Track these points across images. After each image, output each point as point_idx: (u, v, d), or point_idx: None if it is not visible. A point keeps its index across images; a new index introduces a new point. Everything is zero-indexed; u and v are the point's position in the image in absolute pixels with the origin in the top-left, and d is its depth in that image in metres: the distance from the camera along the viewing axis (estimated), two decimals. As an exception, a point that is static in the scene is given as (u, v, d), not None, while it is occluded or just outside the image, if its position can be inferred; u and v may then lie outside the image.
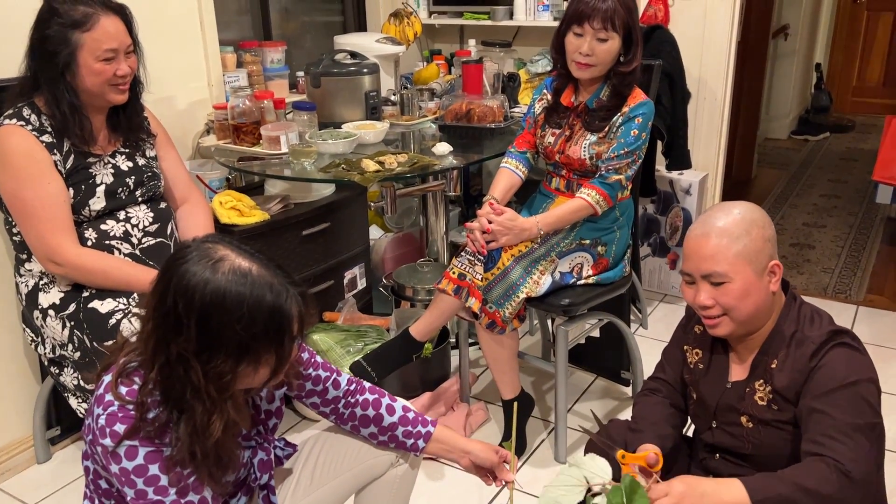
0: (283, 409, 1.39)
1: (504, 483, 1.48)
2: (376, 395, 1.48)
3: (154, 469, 1.12)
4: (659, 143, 2.97)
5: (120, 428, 1.10)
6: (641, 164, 2.87)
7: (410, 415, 1.48)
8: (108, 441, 1.11)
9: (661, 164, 3.16)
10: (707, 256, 1.36)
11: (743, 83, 4.79)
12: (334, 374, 1.46)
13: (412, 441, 1.47)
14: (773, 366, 1.38)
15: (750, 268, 1.35)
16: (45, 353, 1.97)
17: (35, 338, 1.98)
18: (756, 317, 1.39)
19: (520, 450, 2.28)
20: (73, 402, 1.97)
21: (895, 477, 1.86)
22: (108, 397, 1.13)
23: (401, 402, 1.49)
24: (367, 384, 1.50)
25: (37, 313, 1.92)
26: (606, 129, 2.09)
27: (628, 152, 2.07)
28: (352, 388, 1.47)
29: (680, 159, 2.96)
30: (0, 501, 2.13)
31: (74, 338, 1.85)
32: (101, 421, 1.11)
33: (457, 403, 2.51)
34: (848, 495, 1.21)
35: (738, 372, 1.46)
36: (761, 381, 1.40)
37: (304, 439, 1.54)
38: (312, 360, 1.43)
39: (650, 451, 1.39)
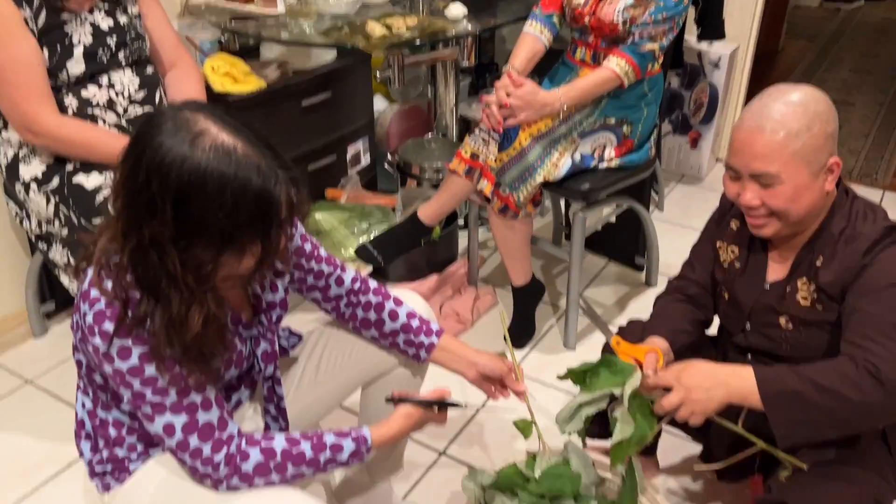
0: (287, 301, 1.30)
1: (515, 394, 1.41)
2: (380, 299, 1.37)
3: (150, 369, 1.03)
4: (692, 10, 2.71)
5: (109, 327, 1.01)
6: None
7: (414, 322, 1.38)
8: (98, 341, 1.02)
9: (689, 34, 2.92)
10: (759, 154, 1.20)
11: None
12: (338, 271, 1.35)
13: (414, 350, 1.38)
14: (819, 263, 1.26)
15: (806, 169, 1.20)
16: (31, 229, 1.86)
17: (19, 212, 1.86)
18: (807, 218, 1.27)
19: (528, 335, 2.23)
20: (64, 279, 1.88)
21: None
22: (94, 293, 1.02)
23: (406, 307, 1.39)
24: (372, 284, 1.39)
25: (19, 186, 1.79)
26: None
27: (667, 18, 1.86)
28: (356, 286, 1.37)
29: (714, 28, 2.72)
30: (-1, 376, 2.10)
31: (61, 214, 1.74)
32: (89, 320, 1.02)
33: (464, 287, 2.43)
34: (874, 399, 1.11)
35: (777, 271, 1.35)
36: (804, 278, 1.28)
37: (309, 331, 1.46)
38: (316, 253, 1.32)
39: (650, 352, 1.31)
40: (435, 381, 1.40)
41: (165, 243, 0.96)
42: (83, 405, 1.21)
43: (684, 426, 1.57)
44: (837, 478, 1.18)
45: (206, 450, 1.09)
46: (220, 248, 0.97)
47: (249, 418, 1.35)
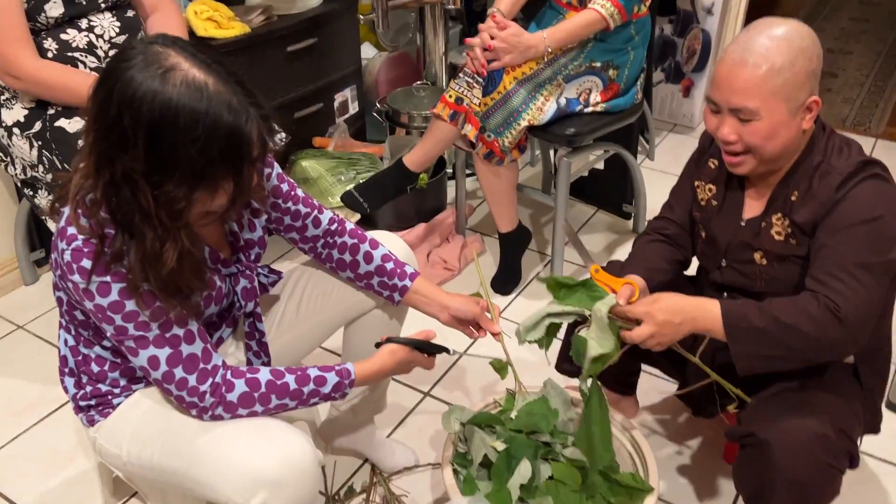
0: (266, 240, 1.31)
1: (491, 335, 1.42)
2: (355, 241, 1.39)
3: (131, 304, 1.05)
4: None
5: (87, 264, 1.02)
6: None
7: (389, 265, 1.39)
8: (77, 278, 1.03)
9: (683, -21, 2.88)
10: (739, 89, 1.19)
11: None
12: (315, 212, 1.36)
13: (388, 293, 1.40)
14: (794, 198, 1.27)
15: (785, 107, 1.19)
16: (16, 175, 1.86)
17: (4, 158, 1.86)
18: (782, 156, 1.27)
19: (514, 282, 2.24)
20: (51, 224, 1.89)
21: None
22: (71, 230, 1.03)
23: (382, 249, 1.40)
24: (349, 226, 1.40)
25: (1, 132, 1.79)
26: None
27: (652, -41, 1.83)
28: (332, 227, 1.38)
29: (706, -27, 2.67)
30: (-10, 322, 2.13)
31: (44, 158, 1.74)
32: (67, 257, 1.03)
33: (452, 235, 2.44)
34: (833, 336, 1.14)
35: (753, 208, 1.35)
36: (779, 214, 1.29)
37: (290, 270, 1.48)
38: (293, 193, 1.33)
39: (626, 284, 1.32)
40: (419, 325, 1.41)
41: (138, 178, 0.96)
42: (66, 342, 1.23)
43: (660, 365, 1.60)
44: (803, 407, 1.21)
45: (192, 380, 1.11)
46: (192, 185, 0.98)
47: (231, 355, 1.37)
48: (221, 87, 0.96)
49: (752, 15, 3.16)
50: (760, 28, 1.21)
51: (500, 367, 1.46)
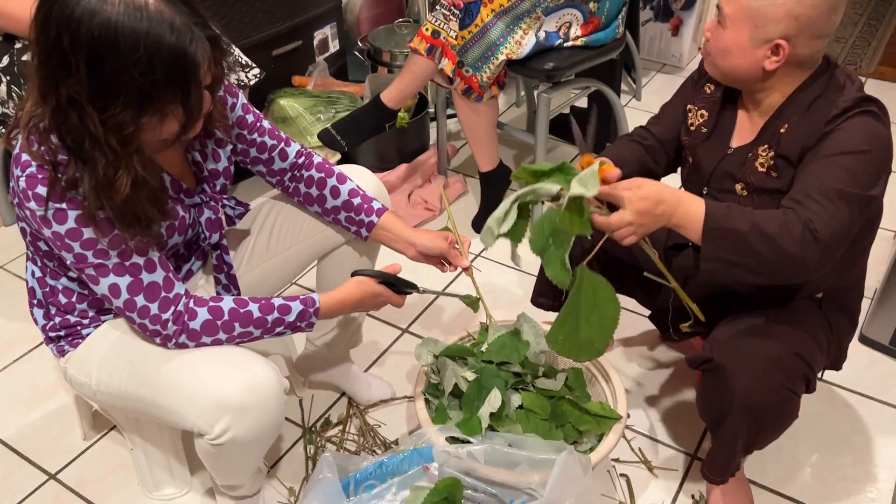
0: (231, 171, 1.30)
1: (461, 269, 1.42)
2: (322, 175, 1.37)
3: (88, 232, 1.04)
4: None
5: (42, 191, 1.01)
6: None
7: (356, 200, 1.37)
8: (33, 205, 1.02)
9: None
10: None
11: None
12: (282, 144, 1.34)
13: (355, 228, 1.39)
14: (783, 130, 1.25)
15: (748, 31, 1.17)
16: (-14, 112, 1.84)
17: (-27, 95, 1.83)
18: (738, 79, 1.25)
19: (495, 221, 2.23)
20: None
21: None
22: (25, 157, 1.02)
23: (350, 184, 1.38)
24: (316, 159, 1.38)
25: (-32, 67, 1.75)
26: None
27: None
28: (300, 161, 1.37)
29: None
30: (-31, 262, 2.12)
31: (13, 94, 1.71)
32: (22, 184, 1.02)
33: (434, 176, 2.43)
34: (807, 254, 1.12)
35: (742, 136, 1.33)
36: (766, 146, 1.27)
37: (259, 203, 1.47)
38: (258, 124, 1.31)
39: (613, 168, 1.20)
40: (392, 261, 1.41)
41: (83, 103, 0.95)
42: (32, 274, 1.23)
43: (634, 294, 1.59)
44: (761, 334, 1.21)
45: (154, 308, 1.11)
46: (138, 109, 0.96)
47: (202, 287, 1.37)
48: (163, 7, 0.94)
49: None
50: None
51: (471, 302, 1.46)
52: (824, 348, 1.29)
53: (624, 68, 2.92)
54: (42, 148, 1.01)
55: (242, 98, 1.29)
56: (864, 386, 1.70)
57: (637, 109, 2.83)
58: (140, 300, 1.10)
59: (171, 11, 0.94)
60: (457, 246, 1.41)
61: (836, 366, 1.40)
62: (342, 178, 1.39)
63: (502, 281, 2.04)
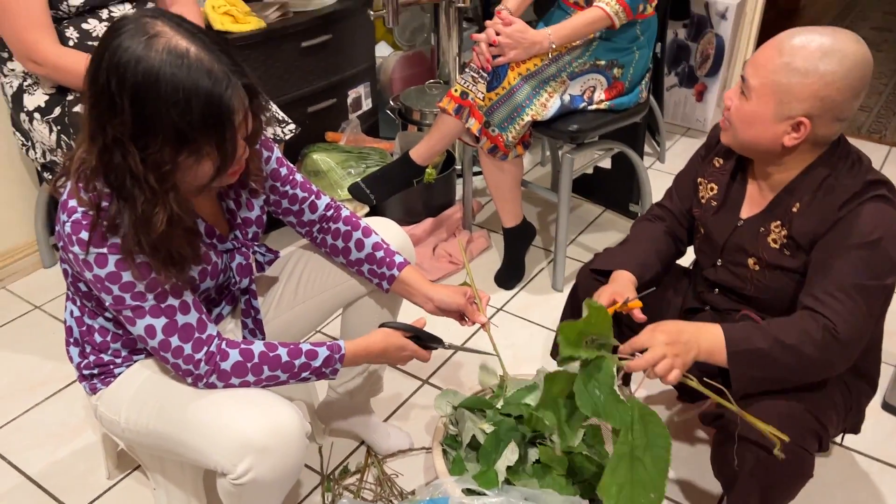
0: (263, 220, 1.35)
1: (479, 325, 1.44)
2: (349, 227, 1.43)
3: (127, 276, 1.10)
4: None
5: (85, 235, 1.07)
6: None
7: (379, 254, 1.42)
8: (76, 249, 1.08)
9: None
10: (754, 61, 1.21)
11: None
12: (312, 197, 1.40)
13: (377, 280, 1.44)
14: (795, 209, 1.26)
15: (773, 103, 1.19)
16: (36, 159, 1.94)
17: (25, 142, 1.94)
18: (755, 150, 1.28)
19: (517, 277, 2.27)
20: (68, 209, 1.96)
21: None
22: (72, 203, 1.08)
23: (374, 238, 1.43)
24: (344, 212, 1.44)
25: (23, 116, 1.86)
26: None
27: (657, -40, 1.86)
28: (328, 213, 1.43)
29: (718, -23, 2.68)
30: (9, 301, 2.20)
31: (62, 143, 1.80)
32: (67, 228, 1.08)
33: (459, 230, 2.48)
34: (831, 357, 1.16)
35: (752, 207, 1.36)
36: (778, 222, 1.29)
37: (289, 252, 1.53)
38: (291, 177, 1.37)
39: (637, 304, 1.32)
40: (417, 313, 1.44)
41: (126, 142, 1.01)
42: (71, 313, 1.28)
43: None
44: (775, 391, 1.22)
45: (187, 348, 1.15)
46: (176, 148, 1.02)
47: (230, 331, 1.42)
48: (203, 55, 1.01)
49: (767, 21, 3.17)
50: (818, 29, 1.18)
51: (486, 377, 1.49)
52: (840, 409, 1.29)
53: (648, 131, 2.99)
54: (88, 194, 1.07)
55: (277, 152, 1.36)
56: (887, 454, 1.68)
57: (661, 172, 2.87)
58: (174, 340, 1.15)
59: (211, 59, 1.01)
60: (475, 301, 1.44)
61: (856, 429, 1.40)
62: (367, 232, 1.44)
63: (522, 335, 2.06)
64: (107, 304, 1.14)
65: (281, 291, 1.49)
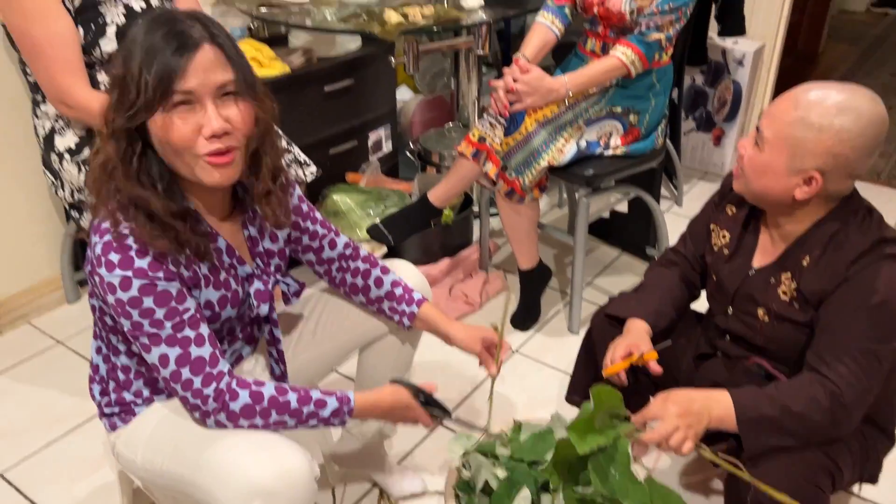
0: (286, 252, 1.37)
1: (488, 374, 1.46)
2: (368, 266, 1.46)
3: (148, 302, 1.12)
4: (713, 7, 2.73)
5: (114, 257, 1.10)
6: (692, 29, 2.70)
7: (398, 290, 1.45)
8: (103, 271, 1.11)
9: (713, 31, 2.93)
10: (770, 112, 1.23)
11: (821, -55, 4.35)
12: (332, 234, 1.43)
13: (398, 317, 1.46)
14: (805, 262, 1.27)
15: (785, 156, 1.20)
16: (65, 198, 1.99)
17: (55, 181, 1.99)
18: (766, 201, 1.29)
19: (533, 319, 2.28)
20: (94, 246, 2.00)
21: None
22: (104, 224, 1.12)
23: (392, 275, 1.46)
24: (363, 252, 1.47)
25: (54, 157, 1.92)
26: None
27: (673, 8, 1.89)
28: (347, 252, 1.45)
29: (734, 25, 2.73)
30: (33, 336, 2.24)
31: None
32: (97, 250, 1.11)
33: (475, 271, 2.50)
34: (838, 422, 1.17)
35: (764, 257, 1.36)
36: (789, 274, 1.29)
37: (308, 294, 1.55)
38: (311, 214, 1.41)
39: (654, 354, 1.35)
40: (434, 350, 1.46)
41: (111, 113, 1.09)
42: (97, 350, 1.31)
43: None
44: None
45: (197, 382, 1.16)
46: (146, 106, 1.06)
47: (247, 372, 1.43)
48: (169, 15, 1.09)
49: (784, 67, 3.20)
50: (835, 86, 1.19)
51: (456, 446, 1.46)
52: (855, 452, 1.28)
53: (666, 175, 3.01)
54: (118, 208, 1.11)
55: (298, 189, 1.39)
56: (909, 507, 1.65)
57: (678, 215, 2.88)
58: (185, 372, 1.15)
59: (176, 16, 1.08)
60: (496, 346, 1.45)
61: (873, 479, 1.38)
62: (385, 270, 1.47)
63: (538, 379, 2.06)
64: (126, 329, 1.15)
65: (300, 332, 1.51)
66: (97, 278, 1.13)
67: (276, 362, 1.40)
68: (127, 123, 1.08)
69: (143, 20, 1.10)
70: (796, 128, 1.18)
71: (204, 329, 1.18)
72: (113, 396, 1.30)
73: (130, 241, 1.10)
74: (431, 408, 1.36)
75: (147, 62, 1.04)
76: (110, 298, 1.13)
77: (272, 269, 1.33)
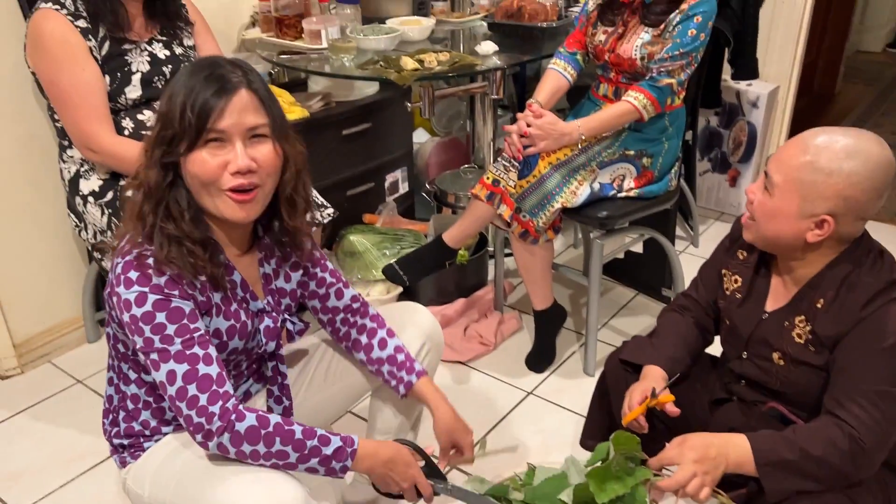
0: (297, 294, 1.39)
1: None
2: (374, 325, 1.46)
3: (161, 317, 1.15)
4: (726, 51, 2.76)
5: (133, 275, 1.14)
6: (706, 73, 2.73)
7: (400, 357, 1.44)
8: (122, 289, 1.14)
9: (727, 74, 2.96)
10: (780, 158, 1.24)
11: (835, -12, 4.39)
12: (340, 284, 1.45)
13: (394, 383, 1.44)
14: (819, 305, 1.27)
15: (796, 201, 1.21)
16: (88, 239, 2.04)
17: (79, 223, 2.04)
18: (777, 245, 1.29)
19: (548, 360, 2.27)
20: (115, 286, 2.04)
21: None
22: (127, 246, 1.17)
23: (396, 340, 1.45)
24: (371, 310, 1.47)
25: (78, 199, 1.97)
26: (663, 26, 1.94)
27: (683, 53, 1.92)
28: (354, 305, 1.46)
29: (747, 69, 2.75)
30: (53, 375, 2.27)
31: (113, 225, 1.90)
32: (118, 269, 1.15)
33: (490, 311, 2.50)
34: (858, 466, 1.16)
35: (777, 300, 1.36)
36: (803, 317, 1.29)
37: (320, 339, 1.55)
38: (323, 261, 1.43)
39: (670, 397, 1.34)
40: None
41: (156, 145, 1.15)
42: (109, 381, 1.34)
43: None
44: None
45: (203, 399, 1.15)
46: (184, 143, 1.14)
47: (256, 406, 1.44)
48: (215, 61, 1.18)
49: (800, 108, 3.21)
50: (842, 130, 1.21)
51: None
52: (876, 496, 1.26)
53: (682, 215, 3.01)
54: (143, 237, 1.16)
55: (313, 237, 1.42)
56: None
57: (695, 256, 2.88)
58: (192, 389, 1.15)
59: (219, 65, 1.16)
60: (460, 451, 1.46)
61: None
62: (391, 334, 1.46)
63: (552, 421, 2.05)
64: (137, 347, 1.17)
65: (311, 376, 1.52)
66: (115, 298, 1.17)
67: (277, 400, 1.40)
68: (164, 157, 1.15)
69: (190, 64, 1.19)
70: (806, 172, 1.19)
71: (213, 350, 1.20)
72: (122, 427, 1.32)
73: (150, 261, 1.15)
74: (435, 479, 1.33)
75: (188, 101, 1.13)
76: (125, 316, 1.16)
77: (282, 307, 1.36)
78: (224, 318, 1.24)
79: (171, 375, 1.17)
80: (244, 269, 1.30)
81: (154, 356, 1.17)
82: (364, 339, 1.46)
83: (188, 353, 1.17)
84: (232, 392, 1.19)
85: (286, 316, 1.36)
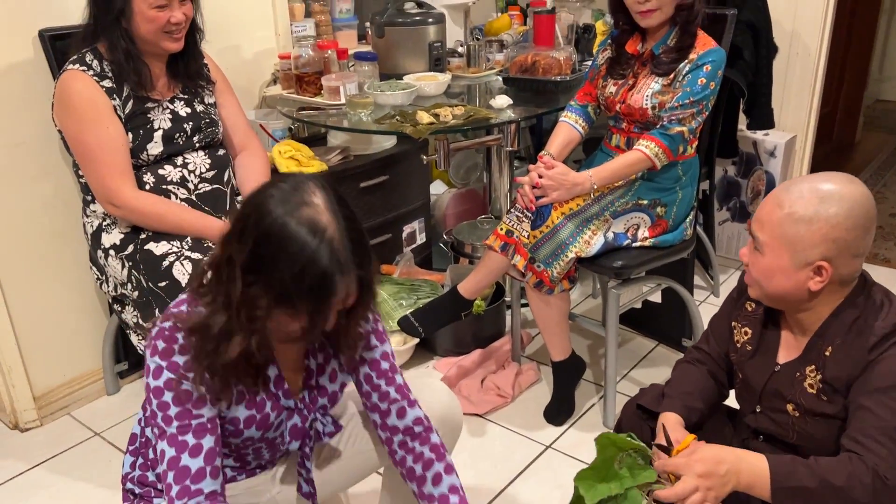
0: (338, 397, 1.35)
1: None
2: (433, 457, 1.34)
3: (167, 396, 1.14)
4: (741, 101, 2.78)
5: (160, 345, 1.14)
6: (722, 123, 2.74)
7: (454, 499, 1.31)
8: (148, 352, 1.16)
9: (743, 123, 2.97)
10: (758, 218, 1.25)
11: (851, 38, 4.41)
12: (404, 402, 1.34)
13: None
14: (828, 353, 1.26)
15: (787, 254, 1.21)
16: (108, 291, 2.07)
17: (100, 276, 2.08)
18: (784, 300, 1.28)
19: (567, 412, 2.24)
20: (133, 338, 2.06)
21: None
22: (175, 310, 1.17)
23: (453, 479, 1.33)
24: (434, 438, 1.36)
25: (100, 253, 2.01)
26: (673, 75, 1.96)
27: (693, 102, 1.94)
28: (417, 429, 1.35)
29: (762, 118, 2.76)
30: (72, 427, 2.28)
31: (132, 278, 1.93)
32: (154, 332, 1.16)
33: (508, 362, 2.48)
34: (881, 499, 1.12)
35: (789, 352, 1.34)
36: (813, 367, 1.28)
37: (342, 404, 1.50)
38: (391, 375, 1.34)
39: (689, 438, 1.31)
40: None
41: (237, 267, 1.07)
42: (140, 421, 1.35)
43: None
44: None
45: (174, 490, 1.15)
46: (275, 301, 1.07)
47: (269, 479, 1.39)
48: (336, 237, 1.05)
49: (819, 156, 3.21)
50: (813, 178, 1.22)
51: None
52: None
53: (702, 265, 2.98)
54: (189, 308, 1.15)
55: (388, 346, 1.36)
56: None
57: (715, 306, 2.83)
58: (169, 476, 1.15)
59: (340, 244, 1.06)
60: None
61: None
62: (449, 469, 1.34)
63: (571, 475, 1.99)
64: (146, 414, 1.18)
65: (332, 441, 1.46)
66: (148, 352, 1.17)
67: (305, 482, 1.36)
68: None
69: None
70: (788, 225, 1.20)
71: (207, 441, 1.17)
72: (137, 473, 1.32)
73: (180, 335, 1.14)
74: None
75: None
76: (145, 378, 1.17)
77: (317, 406, 1.31)
78: (245, 408, 1.22)
79: (162, 455, 1.17)
80: (287, 357, 1.25)
81: (155, 430, 1.17)
82: (419, 469, 1.34)
83: (180, 438, 1.16)
84: (206, 490, 1.16)
85: (317, 415, 1.31)
